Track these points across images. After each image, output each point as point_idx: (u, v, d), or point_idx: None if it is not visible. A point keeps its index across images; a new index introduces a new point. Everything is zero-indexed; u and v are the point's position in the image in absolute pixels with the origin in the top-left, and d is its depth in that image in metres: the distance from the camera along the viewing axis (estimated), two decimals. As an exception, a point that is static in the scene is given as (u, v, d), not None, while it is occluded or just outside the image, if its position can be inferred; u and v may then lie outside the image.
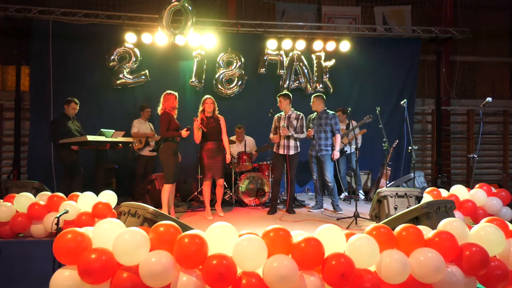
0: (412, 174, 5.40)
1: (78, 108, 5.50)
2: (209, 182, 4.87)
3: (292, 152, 5.09)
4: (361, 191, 6.77)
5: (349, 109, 5.17)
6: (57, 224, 3.15)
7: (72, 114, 5.47)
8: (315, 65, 7.36)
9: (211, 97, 4.95)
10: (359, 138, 6.58)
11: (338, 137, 5.30)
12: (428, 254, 2.38)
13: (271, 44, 7.01)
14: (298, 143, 5.17)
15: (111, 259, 2.27)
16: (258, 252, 2.31)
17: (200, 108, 4.92)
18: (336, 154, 5.29)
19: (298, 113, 5.17)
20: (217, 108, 4.93)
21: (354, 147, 5.05)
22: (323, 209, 5.39)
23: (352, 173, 6.48)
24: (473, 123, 8.71)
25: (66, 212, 3.43)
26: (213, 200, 5.21)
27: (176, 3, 6.01)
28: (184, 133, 4.59)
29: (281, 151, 5.11)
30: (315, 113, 5.41)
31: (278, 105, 5.18)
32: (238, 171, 6.00)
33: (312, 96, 5.43)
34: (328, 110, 5.41)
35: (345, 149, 6.38)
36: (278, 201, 5.56)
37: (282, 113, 5.21)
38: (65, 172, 5.37)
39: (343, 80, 7.52)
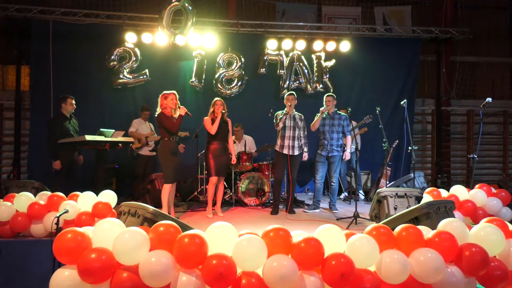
0: (412, 174, 5.40)
1: (74, 103, 5.27)
2: (216, 180, 4.91)
3: (296, 152, 5.16)
4: (361, 191, 6.77)
5: (349, 109, 5.17)
6: (57, 223, 3.15)
7: (71, 111, 5.26)
8: (315, 65, 7.35)
9: (221, 99, 5.02)
10: (359, 138, 6.58)
11: (349, 138, 5.40)
12: (428, 254, 2.38)
13: (271, 44, 7.01)
14: (301, 144, 5.22)
15: (111, 259, 2.27)
16: (258, 252, 2.31)
17: (211, 110, 4.97)
18: (348, 155, 5.39)
19: (299, 113, 5.27)
20: (226, 110, 4.98)
21: (354, 147, 5.08)
22: (318, 210, 5.39)
23: (352, 173, 6.49)
24: (473, 123, 8.71)
25: (66, 211, 3.43)
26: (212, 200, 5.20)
27: (176, 3, 6.01)
28: (182, 110, 4.58)
29: (285, 151, 5.14)
30: (326, 112, 5.39)
31: (290, 102, 5.11)
32: (238, 171, 6.01)
33: (326, 96, 5.41)
34: (339, 111, 5.44)
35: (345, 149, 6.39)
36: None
37: (280, 112, 5.21)
38: (61, 172, 5.06)
39: (343, 80, 7.51)
